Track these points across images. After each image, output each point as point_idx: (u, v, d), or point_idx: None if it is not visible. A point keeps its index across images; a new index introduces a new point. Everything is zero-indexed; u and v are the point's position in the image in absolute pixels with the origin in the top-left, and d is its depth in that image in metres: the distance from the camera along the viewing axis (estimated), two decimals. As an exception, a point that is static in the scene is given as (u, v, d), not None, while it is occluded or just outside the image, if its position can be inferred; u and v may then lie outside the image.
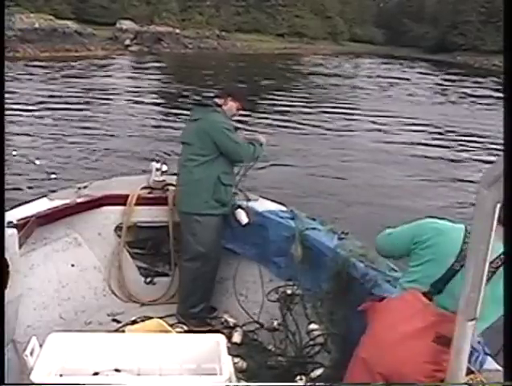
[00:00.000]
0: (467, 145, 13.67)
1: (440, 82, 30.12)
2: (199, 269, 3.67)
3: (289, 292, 3.48)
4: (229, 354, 2.26)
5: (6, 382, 1.75)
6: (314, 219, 3.56)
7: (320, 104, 19.14)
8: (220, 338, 2.31)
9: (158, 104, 16.95)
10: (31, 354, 2.11)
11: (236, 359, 3.08)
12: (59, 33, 31.82)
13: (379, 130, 14.99)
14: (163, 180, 3.96)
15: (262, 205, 3.78)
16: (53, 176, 8.18)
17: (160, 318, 3.10)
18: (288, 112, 16.41)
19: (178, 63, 31.23)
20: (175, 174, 3.86)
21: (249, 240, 3.71)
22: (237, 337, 3.55)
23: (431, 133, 15.11)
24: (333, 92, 23.04)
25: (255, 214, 3.67)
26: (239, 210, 3.67)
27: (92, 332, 3.15)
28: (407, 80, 30.30)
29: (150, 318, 3.28)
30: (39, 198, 3.66)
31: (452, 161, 12.02)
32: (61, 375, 2.17)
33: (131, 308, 3.86)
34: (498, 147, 13.06)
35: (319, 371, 3.09)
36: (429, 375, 1.87)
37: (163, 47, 38.81)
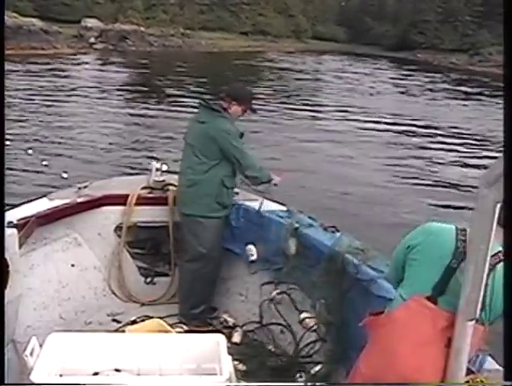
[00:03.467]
0: (422, 132, 15.36)
1: (400, 77, 31.24)
2: (200, 270, 3.67)
3: (287, 290, 3.50)
4: (229, 354, 2.26)
5: (6, 382, 1.74)
6: (310, 217, 3.58)
7: (287, 97, 20.01)
8: (220, 338, 2.31)
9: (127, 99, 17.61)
10: (31, 354, 2.12)
11: (236, 361, 3.08)
12: (25, 30, 31.14)
13: (342, 119, 16.26)
14: (163, 180, 3.96)
15: (262, 205, 3.77)
16: (44, 162, 8.54)
17: (160, 318, 3.11)
18: (258, 104, 16.76)
19: (143, 60, 31.67)
20: (174, 172, 3.86)
21: (249, 241, 3.71)
22: (237, 337, 3.55)
23: (390, 121, 16.44)
24: (299, 87, 24.00)
25: (255, 214, 3.67)
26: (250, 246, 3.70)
27: (92, 332, 3.15)
28: (369, 75, 31.48)
29: (150, 318, 3.28)
30: (39, 198, 3.66)
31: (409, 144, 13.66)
32: (61, 375, 2.17)
33: (131, 308, 3.86)
34: (451, 133, 15.10)
35: (318, 367, 3.11)
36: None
37: (128, 45, 38.43)
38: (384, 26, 62.54)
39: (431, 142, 13.98)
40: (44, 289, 3.52)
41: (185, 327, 3.60)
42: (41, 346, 2.18)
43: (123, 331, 3.24)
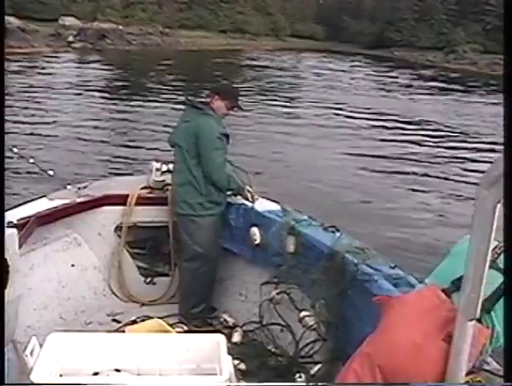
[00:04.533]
0: (401, 126, 15.82)
1: (378, 74, 32.08)
2: (198, 269, 3.68)
3: (286, 290, 3.49)
4: (229, 354, 2.26)
5: (6, 382, 1.75)
6: (310, 217, 3.59)
7: (267, 93, 20.49)
8: (220, 338, 2.31)
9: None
10: (31, 354, 2.12)
11: (236, 361, 3.08)
12: (1, 29, 31.33)
13: (320, 114, 16.85)
14: (163, 180, 3.96)
15: (262, 205, 3.78)
16: (31, 160, 8.48)
17: (160, 318, 3.11)
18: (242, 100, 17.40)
19: (124, 58, 31.85)
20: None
21: (248, 241, 3.71)
22: (236, 337, 3.55)
23: (369, 117, 16.86)
24: (279, 84, 24.45)
25: (255, 214, 3.67)
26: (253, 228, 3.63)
27: (92, 332, 3.15)
28: (347, 72, 32.24)
29: (150, 318, 3.28)
30: (39, 198, 3.66)
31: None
32: (61, 375, 2.17)
33: (131, 308, 3.86)
34: (424, 127, 15.75)
35: (317, 367, 3.12)
36: (435, 376, 1.84)
37: (107, 43, 37.84)
38: (362, 24, 63.07)
39: (407, 134, 14.60)
40: (44, 289, 3.52)
41: (185, 327, 3.60)
42: (41, 346, 2.18)
43: (123, 331, 3.24)
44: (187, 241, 3.69)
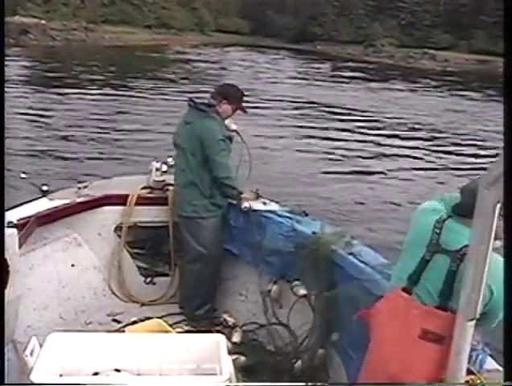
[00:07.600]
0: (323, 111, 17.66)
1: (301, 67, 33.61)
2: (201, 270, 3.68)
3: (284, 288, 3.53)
4: (229, 354, 2.26)
5: (6, 382, 1.74)
6: (291, 211, 3.66)
7: (195, 85, 20.82)
8: (220, 338, 2.31)
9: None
10: (31, 354, 2.12)
11: (236, 360, 3.08)
12: None
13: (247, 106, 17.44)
14: (163, 180, 3.96)
15: (261, 205, 3.78)
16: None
17: (160, 318, 3.10)
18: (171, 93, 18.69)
19: (48, 54, 31.15)
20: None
21: (248, 241, 3.71)
22: (236, 337, 3.55)
23: (294, 105, 18.43)
24: (205, 77, 24.82)
25: (254, 214, 3.67)
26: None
27: (92, 332, 3.16)
28: (272, 65, 33.56)
29: (150, 318, 3.28)
30: (39, 198, 3.66)
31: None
32: (61, 375, 2.18)
33: (131, 308, 3.86)
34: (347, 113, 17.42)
35: (309, 352, 3.18)
36: (423, 374, 1.84)
37: (30, 39, 37.05)
38: (285, 19, 63.80)
39: (329, 119, 16.19)
40: (44, 289, 3.52)
41: (185, 327, 3.60)
42: (41, 346, 2.18)
43: (123, 331, 3.24)
44: (190, 243, 3.68)
